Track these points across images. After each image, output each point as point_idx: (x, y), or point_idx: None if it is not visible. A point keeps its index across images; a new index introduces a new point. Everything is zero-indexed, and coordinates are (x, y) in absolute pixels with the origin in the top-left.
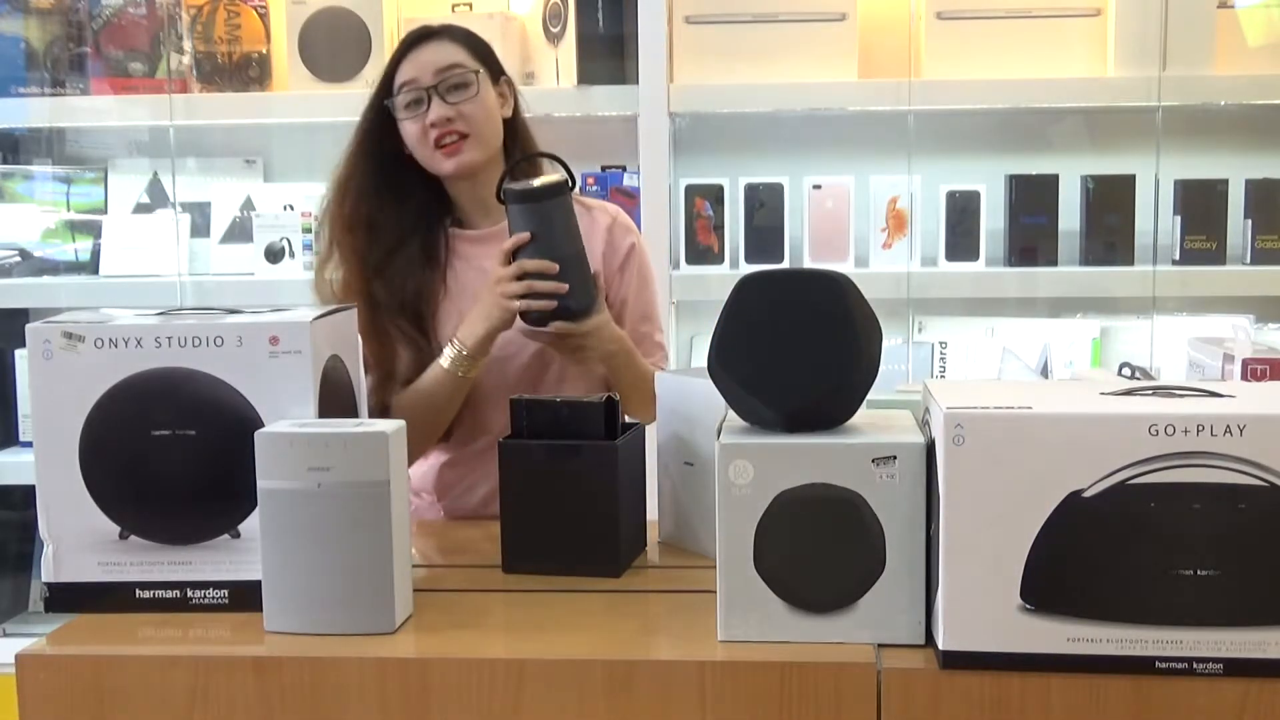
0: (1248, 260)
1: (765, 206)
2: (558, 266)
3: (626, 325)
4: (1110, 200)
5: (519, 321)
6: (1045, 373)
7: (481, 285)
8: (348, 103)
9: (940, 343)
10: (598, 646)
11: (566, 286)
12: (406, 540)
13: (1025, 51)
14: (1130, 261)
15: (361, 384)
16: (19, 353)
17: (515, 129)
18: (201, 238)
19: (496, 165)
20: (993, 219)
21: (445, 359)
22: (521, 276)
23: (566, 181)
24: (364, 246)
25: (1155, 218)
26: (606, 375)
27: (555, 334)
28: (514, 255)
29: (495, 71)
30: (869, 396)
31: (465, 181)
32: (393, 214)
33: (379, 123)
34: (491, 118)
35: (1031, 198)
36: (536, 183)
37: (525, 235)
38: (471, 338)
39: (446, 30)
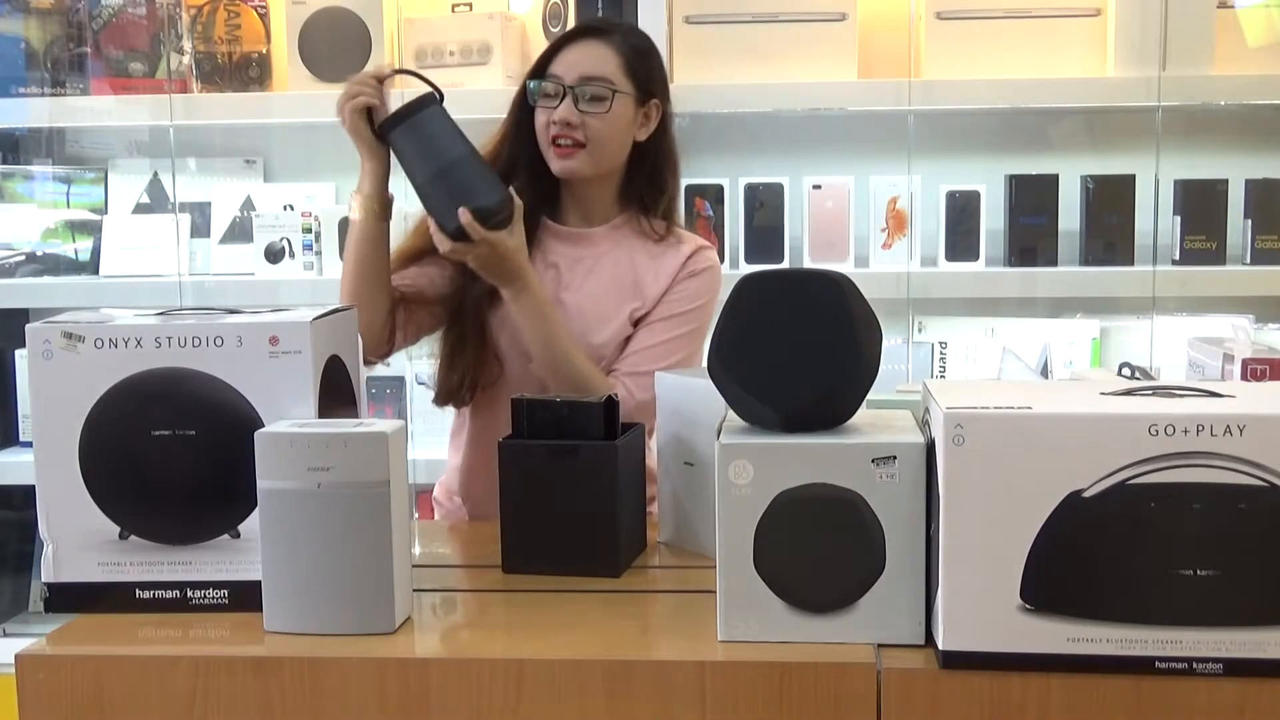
0: (1247, 260)
1: (765, 206)
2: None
3: (644, 324)
4: (1110, 200)
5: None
6: (1045, 373)
7: (549, 277)
8: None
9: (940, 343)
10: (598, 646)
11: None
12: (406, 540)
13: (1025, 51)
14: (1130, 261)
15: (362, 384)
16: (19, 353)
17: (647, 152)
18: (201, 238)
19: (610, 180)
20: (993, 219)
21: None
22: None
23: (433, 94)
24: None
25: (1155, 218)
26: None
27: (463, 247)
28: (414, 178)
29: (645, 92)
30: (869, 396)
31: (574, 182)
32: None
33: (523, 101)
34: (616, 136)
35: (1031, 198)
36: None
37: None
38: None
39: (613, 33)
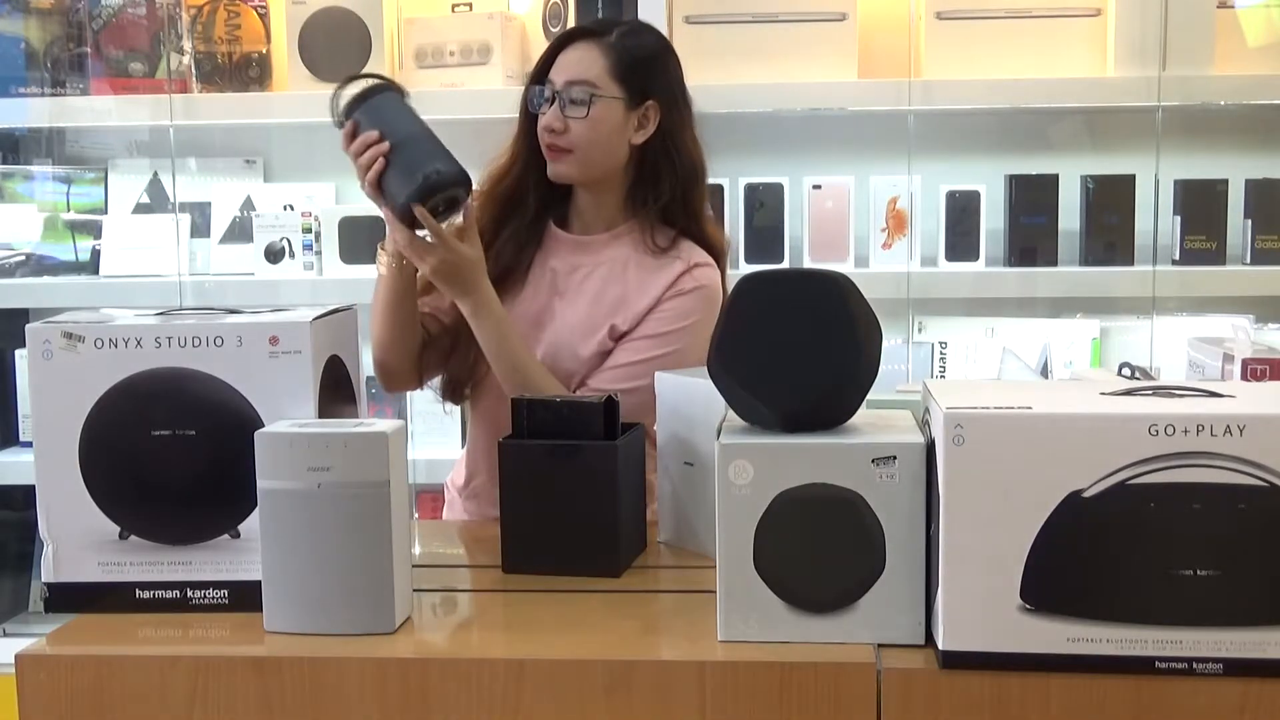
0: (1247, 260)
1: (765, 206)
2: (377, 134)
3: (625, 340)
4: (1110, 200)
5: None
6: (1045, 373)
7: (545, 283)
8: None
9: (940, 343)
10: (598, 646)
11: (387, 145)
12: (406, 540)
13: (1025, 51)
14: (1130, 261)
15: (362, 384)
16: (19, 353)
17: (647, 155)
18: (201, 238)
19: (609, 186)
20: (993, 219)
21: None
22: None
23: (383, 83)
24: (495, 219)
25: (1155, 218)
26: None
27: (420, 247)
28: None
29: (639, 94)
30: (869, 396)
31: (575, 188)
32: (530, 195)
33: (527, 106)
34: (602, 141)
35: (1031, 198)
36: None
37: (371, 134)
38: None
39: (607, 33)
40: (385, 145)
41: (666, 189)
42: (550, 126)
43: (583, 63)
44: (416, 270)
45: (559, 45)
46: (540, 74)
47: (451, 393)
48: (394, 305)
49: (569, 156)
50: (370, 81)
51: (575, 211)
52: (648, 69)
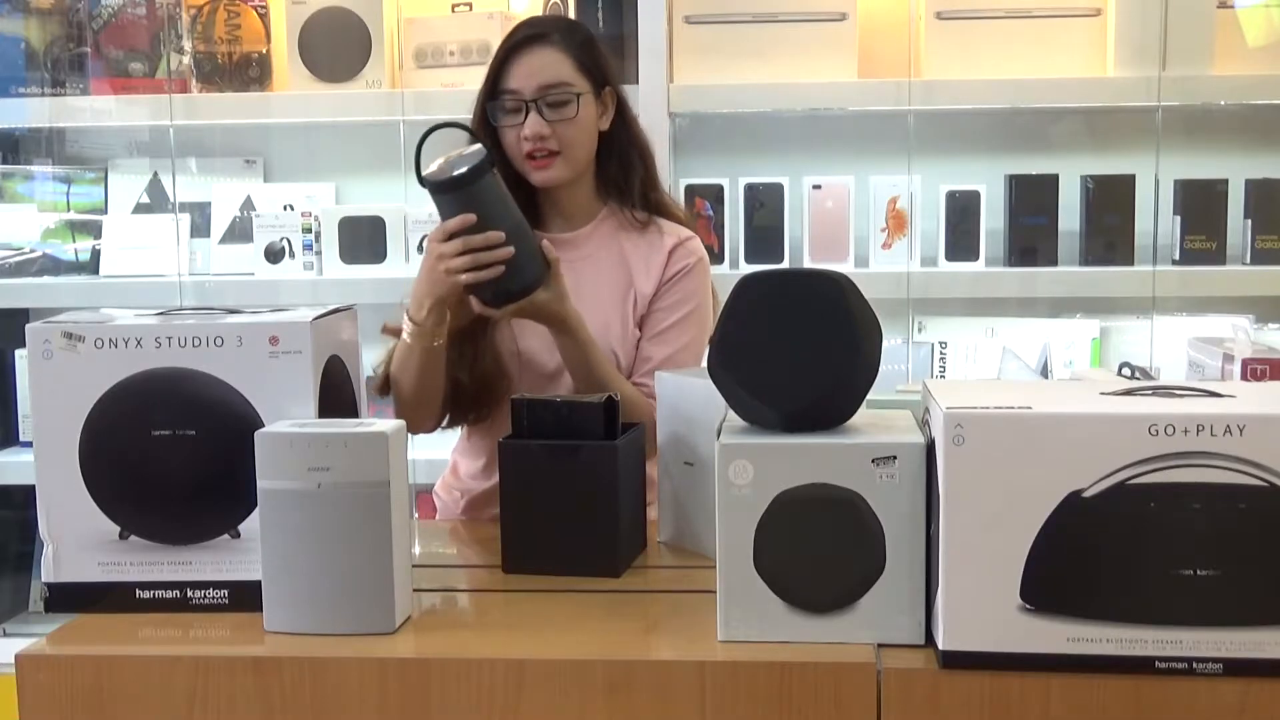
0: (1247, 260)
1: (765, 206)
2: (503, 236)
3: (643, 334)
4: (1110, 200)
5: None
6: (1045, 373)
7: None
8: (348, 103)
9: (940, 343)
10: (598, 646)
11: (512, 250)
12: (406, 540)
13: (1025, 51)
14: (1130, 261)
15: (362, 384)
16: (19, 353)
17: (613, 139)
18: (201, 238)
19: (584, 177)
20: (993, 219)
21: (405, 334)
22: (463, 251)
23: (487, 158)
24: None
25: (1155, 218)
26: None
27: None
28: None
29: (599, 83)
30: (869, 396)
31: (551, 188)
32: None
33: (487, 121)
34: (587, 137)
35: (1031, 198)
36: (459, 169)
37: (470, 218)
38: (420, 312)
39: (556, 33)
40: (508, 252)
41: (637, 166)
42: (539, 134)
43: (549, 66)
44: (446, 337)
45: (510, 54)
46: (494, 86)
47: (462, 418)
48: (429, 372)
49: (558, 159)
50: (466, 154)
51: (552, 211)
52: (597, 58)
